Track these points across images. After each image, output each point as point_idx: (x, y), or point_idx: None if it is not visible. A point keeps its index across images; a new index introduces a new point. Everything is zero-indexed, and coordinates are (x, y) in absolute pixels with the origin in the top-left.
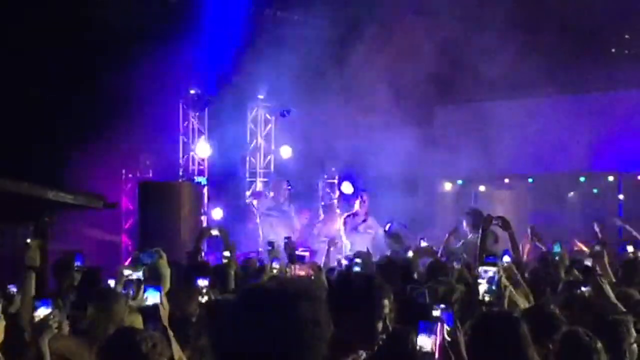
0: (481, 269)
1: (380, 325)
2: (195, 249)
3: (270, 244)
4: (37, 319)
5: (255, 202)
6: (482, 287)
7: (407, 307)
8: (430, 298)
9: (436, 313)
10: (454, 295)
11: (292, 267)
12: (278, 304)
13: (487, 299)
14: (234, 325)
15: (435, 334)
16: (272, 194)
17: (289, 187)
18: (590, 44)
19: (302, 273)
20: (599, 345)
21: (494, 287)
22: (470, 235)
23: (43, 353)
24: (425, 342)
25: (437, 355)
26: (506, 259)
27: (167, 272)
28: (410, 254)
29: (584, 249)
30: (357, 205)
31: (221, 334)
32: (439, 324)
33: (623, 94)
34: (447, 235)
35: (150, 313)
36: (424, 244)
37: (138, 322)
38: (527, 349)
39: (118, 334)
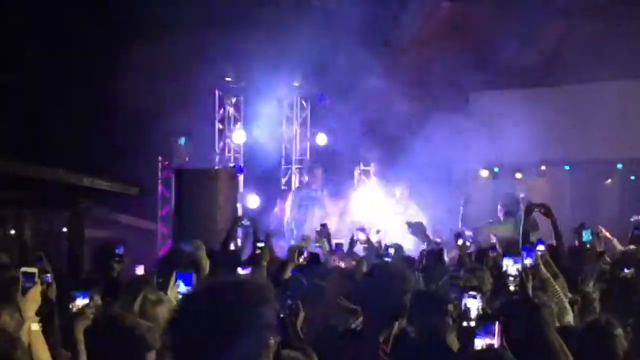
0: (505, 262)
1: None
2: (226, 238)
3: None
4: (74, 309)
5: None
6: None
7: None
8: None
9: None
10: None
11: (332, 257)
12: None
13: (512, 288)
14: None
15: (494, 335)
16: (306, 178)
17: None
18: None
19: (342, 265)
20: (619, 331)
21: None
22: (502, 219)
23: (78, 341)
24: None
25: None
26: (540, 247)
27: (206, 264)
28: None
29: (609, 236)
30: (397, 193)
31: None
32: (498, 325)
33: None
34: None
35: None
36: (460, 242)
37: (163, 313)
38: (549, 334)
39: (108, 317)
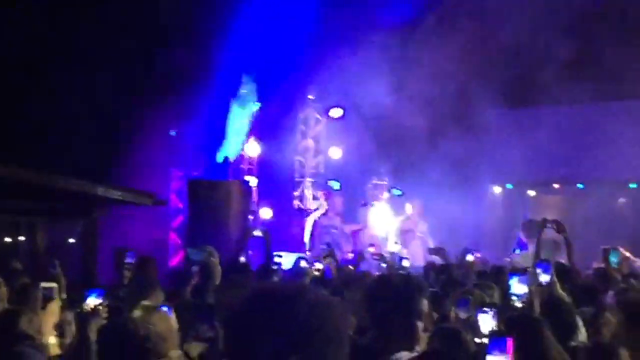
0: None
1: (420, 325)
2: (237, 249)
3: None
4: (86, 308)
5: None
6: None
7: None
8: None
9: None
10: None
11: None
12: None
13: (518, 305)
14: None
15: (506, 351)
16: (325, 204)
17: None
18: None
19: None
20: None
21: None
22: (530, 247)
23: (89, 341)
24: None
25: None
26: (543, 277)
27: (218, 270)
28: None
29: (630, 256)
30: (408, 209)
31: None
32: (509, 340)
33: None
34: (510, 257)
35: (206, 311)
36: (470, 257)
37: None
38: (550, 349)
39: (120, 322)
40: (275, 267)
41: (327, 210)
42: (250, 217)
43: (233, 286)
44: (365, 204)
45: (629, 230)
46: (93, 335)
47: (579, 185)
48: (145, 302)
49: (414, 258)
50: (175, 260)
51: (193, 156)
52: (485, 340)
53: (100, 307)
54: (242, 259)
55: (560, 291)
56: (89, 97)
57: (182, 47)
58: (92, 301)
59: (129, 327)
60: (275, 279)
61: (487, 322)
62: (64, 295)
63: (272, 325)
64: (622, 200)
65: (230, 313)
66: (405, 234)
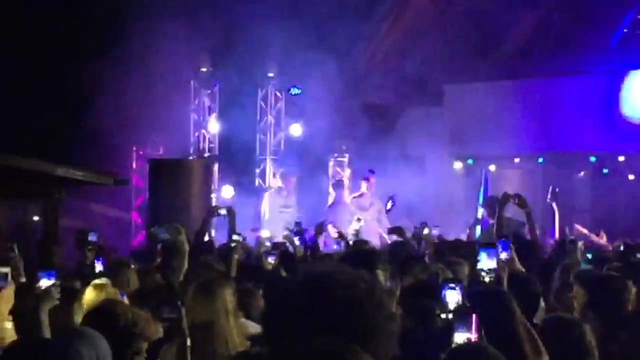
0: (481, 256)
1: None
2: (201, 228)
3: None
4: (39, 290)
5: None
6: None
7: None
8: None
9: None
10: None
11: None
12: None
13: (487, 280)
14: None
15: (471, 331)
16: (280, 182)
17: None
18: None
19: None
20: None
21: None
22: (491, 222)
23: (41, 322)
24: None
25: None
26: (503, 255)
27: (186, 249)
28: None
29: (585, 231)
30: (363, 187)
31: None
32: (475, 316)
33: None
34: (467, 230)
35: (165, 295)
36: (426, 231)
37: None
38: (516, 324)
39: (100, 305)
40: (233, 245)
41: (280, 189)
42: (213, 195)
43: (202, 266)
44: (339, 182)
45: (589, 204)
46: (45, 317)
47: (539, 160)
48: (97, 281)
49: (370, 237)
50: (137, 240)
51: (154, 135)
52: (451, 316)
53: (53, 288)
54: (207, 237)
55: (519, 266)
56: (49, 77)
57: (145, 25)
58: (45, 282)
59: (116, 312)
60: (236, 256)
61: (453, 298)
62: (23, 279)
63: (331, 312)
64: (582, 173)
65: (282, 297)
66: (359, 213)
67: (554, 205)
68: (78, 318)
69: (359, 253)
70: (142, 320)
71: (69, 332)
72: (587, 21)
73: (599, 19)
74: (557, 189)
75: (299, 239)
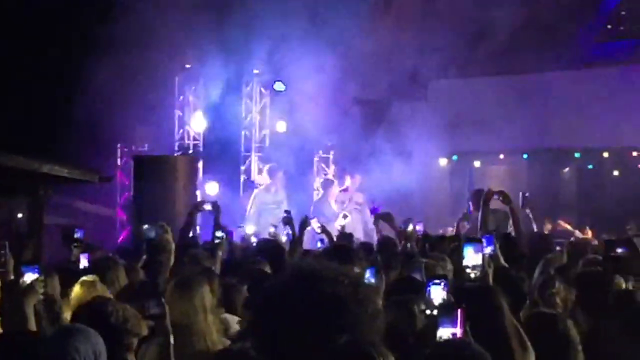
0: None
1: None
2: (186, 224)
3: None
4: (23, 284)
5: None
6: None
7: (402, 283)
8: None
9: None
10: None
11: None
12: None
13: (472, 275)
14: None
15: (456, 326)
16: (266, 177)
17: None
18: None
19: None
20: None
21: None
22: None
23: (27, 317)
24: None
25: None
26: (487, 250)
27: (171, 247)
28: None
29: (569, 227)
30: (347, 182)
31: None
32: (460, 311)
33: (623, 68)
34: (456, 223)
35: (150, 291)
36: (410, 227)
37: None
38: (504, 320)
39: (91, 302)
40: (217, 242)
41: (269, 185)
42: (198, 192)
43: (190, 260)
44: (328, 181)
45: (574, 200)
46: (30, 310)
47: (524, 156)
48: (86, 278)
49: (355, 226)
50: (122, 237)
51: (138, 132)
52: (436, 312)
53: (36, 282)
54: (191, 234)
55: (503, 262)
56: (33, 74)
57: (129, 22)
58: (29, 277)
59: (107, 309)
60: (220, 253)
61: (438, 293)
62: (12, 277)
63: (317, 308)
64: (566, 169)
65: (269, 295)
66: (340, 206)
67: (527, 211)
68: (67, 314)
69: (336, 249)
70: (133, 317)
71: (66, 328)
72: (572, 17)
73: (582, 16)
74: (527, 194)
75: (290, 228)
